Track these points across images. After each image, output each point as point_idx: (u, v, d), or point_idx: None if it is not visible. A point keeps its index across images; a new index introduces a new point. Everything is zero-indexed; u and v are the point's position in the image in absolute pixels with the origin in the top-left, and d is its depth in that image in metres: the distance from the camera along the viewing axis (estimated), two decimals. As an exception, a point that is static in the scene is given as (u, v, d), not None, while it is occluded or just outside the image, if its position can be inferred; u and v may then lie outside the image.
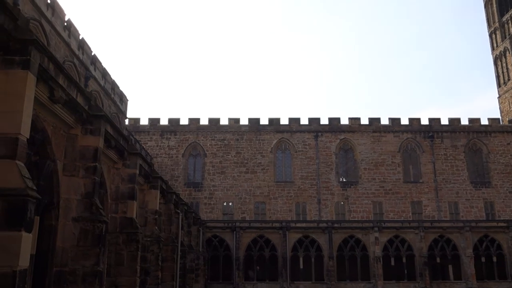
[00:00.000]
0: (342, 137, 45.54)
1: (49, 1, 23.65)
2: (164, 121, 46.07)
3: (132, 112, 70.55)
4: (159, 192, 18.71)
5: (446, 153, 45.23)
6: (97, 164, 10.86)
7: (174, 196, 22.55)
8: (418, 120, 46.54)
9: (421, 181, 44.68)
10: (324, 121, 46.16)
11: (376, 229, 36.68)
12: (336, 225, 37.80)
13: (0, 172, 7.12)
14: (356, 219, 42.11)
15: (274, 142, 45.31)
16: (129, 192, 14.89)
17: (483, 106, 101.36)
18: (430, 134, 45.63)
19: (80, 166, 10.79)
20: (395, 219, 41.22)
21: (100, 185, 12.19)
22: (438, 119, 46.48)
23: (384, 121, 46.40)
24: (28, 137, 7.64)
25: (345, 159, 45.63)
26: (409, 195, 44.14)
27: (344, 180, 44.98)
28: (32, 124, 7.96)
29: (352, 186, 44.31)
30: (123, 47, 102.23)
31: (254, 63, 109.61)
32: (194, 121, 45.96)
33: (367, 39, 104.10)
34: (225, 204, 44.00)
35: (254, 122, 45.99)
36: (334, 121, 46.16)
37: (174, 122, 45.98)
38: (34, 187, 7.47)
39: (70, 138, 10.78)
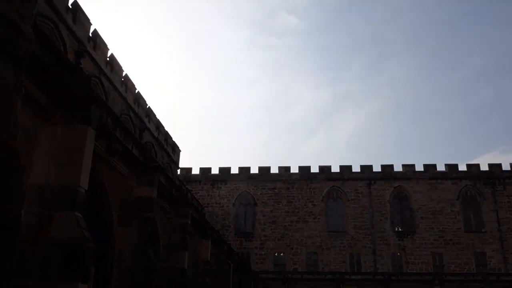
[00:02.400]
0: (396, 184, 44.12)
1: (108, 59, 25.12)
2: (215, 170, 46.65)
3: (184, 162, 72.08)
4: (210, 242, 18.63)
5: (510, 201, 42.64)
6: (150, 214, 11.01)
7: (225, 247, 22.39)
8: (477, 166, 44.53)
9: (483, 230, 42.10)
10: (377, 168, 45.12)
11: (437, 282, 34.55)
12: (393, 277, 35.98)
13: (58, 223, 7.32)
14: (415, 271, 39.92)
15: (325, 190, 44.56)
16: (181, 242, 14.93)
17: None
18: (491, 181, 43.38)
19: (134, 217, 10.97)
20: (458, 272, 38.71)
21: (153, 235, 12.29)
22: (499, 165, 44.25)
23: (440, 168, 44.71)
24: (86, 189, 7.88)
25: (400, 208, 43.96)
26: (471, 245, 41.56)
27: (400, 229, 43.13)
28: (90, 175, 8.23)
29: (408, 236, 42.37)
30: (174, 101, 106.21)
31: (302, 109, 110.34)
32: (244, 170, 46.22)
33: (419, 81, 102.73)
34: (276, 254, 43.15)
35: (304, 170, 45.64)
36: (387, 168, 45.00)
37: (224, 171, 46.44)
38: (91, 238, 7.61)
39: (125, 189, 11.05)
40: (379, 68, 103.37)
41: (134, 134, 20.82)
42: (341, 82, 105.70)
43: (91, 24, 22.85)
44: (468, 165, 44.61)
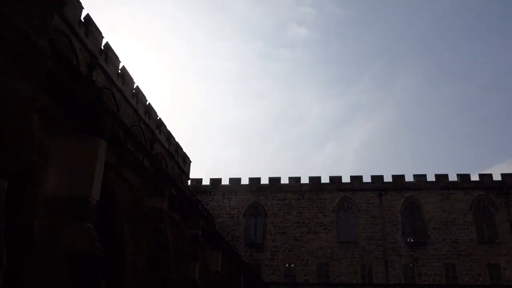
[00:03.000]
0: (407, 195, 43.74)
1: (119, 71, 25.41)
2: (225, 181, 46.69)
3: (194, 172, 72.34)
4: (221, 253, 18.60)
5: (524, 211, 42.03)
6: (161, 225, 11.05)
7: (236, 258, 22.33)
8: (490, 176, 44.01)
9: (497, 241, 41.48)
10: (388, 178, 44.75)
11: (450, 294, 34.09)
12: (405, 289, 35.59)
13: (70, 234, 7.38)
14: (427, 282, 39.41)
15: (336, 201, 44.31)
16: (192, 253, 14.92)
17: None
18: (504, 191, 42.83)
19: (145, 228, 11.01)
20: (471, 284, 38.13)
21: (164, 246, 12.31)
22: (512, 175, 43.74)
23: (452, 178, 44.25)
24: (98, 200, 7.94)
25: (411, 218, 43.53)
26: (485, 257, 40.95)
27: (412, 240, 42.67)
28: (101, 186, 8.30)
29: (421, 247, 41.89)
30: (185, 112, 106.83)
31: (313, 120, 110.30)
32: (254, 181, 46.18)
33: (430, 91, 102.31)
34: (287, 265, 42.88)
35: (315, 180, 45.47)
36: (398, 178, 44.66)
37: (235, 182, 46.45)
38: (102, 249, 7.65)
39: (136, 200, 11.11)
40: (390, 79, 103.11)
41: (145, 145, 20.96)
42: (351, 93, 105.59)
43: (103, 37, 23.17)
44: (481, 175, 44.12)
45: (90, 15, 21.88)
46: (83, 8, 21.08)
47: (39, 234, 7.17)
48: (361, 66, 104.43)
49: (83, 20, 21.15)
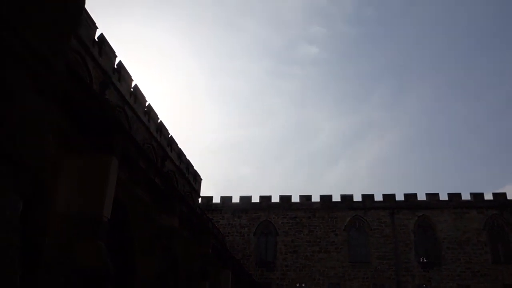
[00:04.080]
0: (420, 214, 43.20)
1: (132, 89, 25.72)
2: (235, 199, 46.53)
3: (205, 190, 72.35)
4: (231, 272, 18.48)
5: (540, 231, 41.24)
6: (172, 243, 11.03)
7: (247, 277, 22.15)
8: (504, 195, 43.37)
9: (513, 262, 40.66)
10: (400, 197, 44.30)
11: (465, 316, 33.32)
12: (419, 310, 34.87)
13: (81, 252, 7.39)
14: (441, 304, 38.62)
15: (348, 219, 43.89)
16: (202, 271, 14.84)
17: None
18: (518, 210, 42.12)
19: (155, 245, 11.00)
20: (486, 305, 37.31)
21: (174, 264, 12.27)
22: (527, 194, 43.09)
23: (465, 197, 43.68)
24: (109, 218, 7.97)
25: (424, 238, 42.89)
26: (501, 277, 40.09)
27: (425, 260, 41.97)
28: (112, 204, 8.34)
29: (434, 268, 41.17)
30: (196, 130, 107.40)
31: (324, 138, 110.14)
32: (265, 199, 45.99)
33: (442, 110, 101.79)
34: (298, 285, 42.33)
35: (326, 199, 45.16)
36: (411, 197, 44.19)
37: (245, 200, 46.29)
38: (112, 267, 7.65)
39: (147, 218, 11.12)
40: (401, 96, 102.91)
41: (157, 163, 21.06)
42: (362, 110, 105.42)
43: (116, 56, 23.55)
44: (494, 194, 43.51)
45: (104, 34, 22.30)
46: (97, 28, 21.52)
47: (50, 251, 7.21)
48: (372, 83, 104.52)
49: (97, 40, 21.54)
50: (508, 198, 43.23)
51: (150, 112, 28.13)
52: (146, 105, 27.82)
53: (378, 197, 44.57)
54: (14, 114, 1.64)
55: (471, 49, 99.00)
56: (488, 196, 43.53)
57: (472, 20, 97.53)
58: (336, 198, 45.10)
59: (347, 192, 72.96)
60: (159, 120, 29.73)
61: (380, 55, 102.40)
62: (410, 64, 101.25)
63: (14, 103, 1.69)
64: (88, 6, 20.97)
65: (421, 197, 44.23)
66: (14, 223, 1.78)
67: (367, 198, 44.65)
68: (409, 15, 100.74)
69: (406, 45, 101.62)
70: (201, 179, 39.14)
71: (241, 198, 46.60)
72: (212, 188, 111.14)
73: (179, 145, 33.35)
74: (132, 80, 25.74)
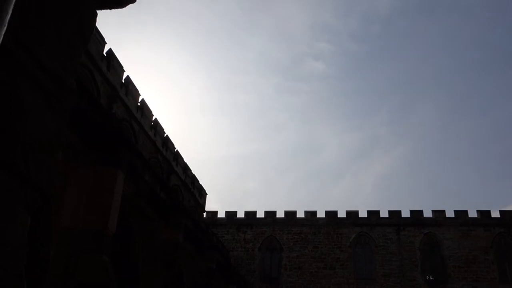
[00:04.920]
0: (426, 231, 42.79)
1: (139, 104, 25.92)
2: (240, 214, 46.36)
3: (209, 205, 72.26)
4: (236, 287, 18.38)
5: (548, 250, 40.70)
6: (176, 257, 11.02)
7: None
8: (511, 212, 42.94)
9: (520, 281, 40.07)
10: (406, 213, 43.95)
11: (472, 336, 32.78)
12: (425, 329, 34.34)
13: (85, 265, 7.41)
14: (448, 323, 38.02)
15: (353, 236, 43.55)
16: (206, 286, 14.77)
17: None
18: (526, 228, 41.63)
19: (159, 259, 10.99)
20: (494, 325, 36.70)
21: (178, 279, 12.23)
22: (534, 212, 42.59)
23: (472, 214, 43.26)
24: (114, 232, 8.00)
25: (431, 255, 42.43)
26: (508, 297, 39.49)
27: (431, 278, 41.45)
28: (118, 217, 8.37)
29: (440, 286, 40.62)
30: (201, 144, 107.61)
31: (329, 153, 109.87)
32: (270, 214, 45.79)
33: (448, 125, 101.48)
34: (302, 302, 41.91)
35: (331, 215, 44.88)
36: (417, 214, 43.83)
37: (250, 215, 46.11)
38: (116, 281, 7.65)
39: (152, 232, 11.14)
40: (407, 113, 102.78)
41: (162, 177, 21.12)
42: (368, 126, 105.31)
43: (124, 71, 23.80)
44: (502, 212, 43.07)
45: (113, 49, 22.58)
46: (106, 43, 21.79)
47: (53, 265, 7.22)
48: (378, 99, 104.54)
49: (105, 55, 21.81)
50: (515, 216, 42.79)
51: (156, 127, 28.29)
52: (153, 119, 27.99)
53: (384, 213, 44.24)
54: (27, 133, 1.70)
55: (478, 65, 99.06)
56: (495, 214, 43.12)
57: (476, 37, 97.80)
58: (342, 214, 44.82)
59: (352, 207, 72.70)
60: (165, 135, 29.88)
61: (387, 71, 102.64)
62: (415, 80, 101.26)
63: (27, 122, 1.75)
64: (99, 20, 21.29)
65: (427, 214, 43.87)
66: (22, 240, 1.82)
67: (373, 214, 44.35)
68: (414, 33, 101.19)
69: (412, 61, 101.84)
70: (206, 194, 39.14)
71: (246, 213, 46.44)
72: (217, 202, 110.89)
73: (185, 160, 33.42)
74: (139, 95, 25.97)
